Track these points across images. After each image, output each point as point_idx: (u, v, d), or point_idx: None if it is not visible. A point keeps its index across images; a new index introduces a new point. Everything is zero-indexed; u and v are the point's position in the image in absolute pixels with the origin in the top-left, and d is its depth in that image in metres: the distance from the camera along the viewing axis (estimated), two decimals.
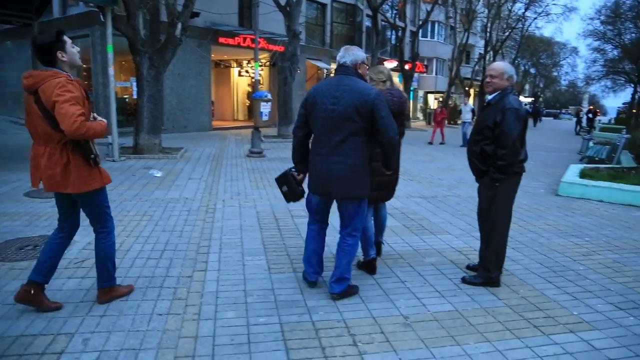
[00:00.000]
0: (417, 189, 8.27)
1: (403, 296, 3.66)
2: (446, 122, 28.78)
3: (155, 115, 11.27)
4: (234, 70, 24.62)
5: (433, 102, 40.22)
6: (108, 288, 3.35)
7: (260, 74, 18.14)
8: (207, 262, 4.25)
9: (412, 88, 30.50)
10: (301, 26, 18.11)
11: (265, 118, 12.02)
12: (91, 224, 3.28)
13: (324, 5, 26.42)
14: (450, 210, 6.63)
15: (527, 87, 63.80)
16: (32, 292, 3.12)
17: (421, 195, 7.65)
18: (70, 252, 4.20)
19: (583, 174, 8.70)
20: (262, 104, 11.90)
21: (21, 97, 18.84)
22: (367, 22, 29.55)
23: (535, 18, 39.96)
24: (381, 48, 27.90)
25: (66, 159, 2.98)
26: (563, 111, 76.32)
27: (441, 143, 17.67)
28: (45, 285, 3.21)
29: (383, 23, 28.44)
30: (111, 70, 10.47)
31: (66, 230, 3.28)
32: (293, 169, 3.73)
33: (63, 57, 2.98)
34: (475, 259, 4.36)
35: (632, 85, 37.91)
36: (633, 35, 32.98)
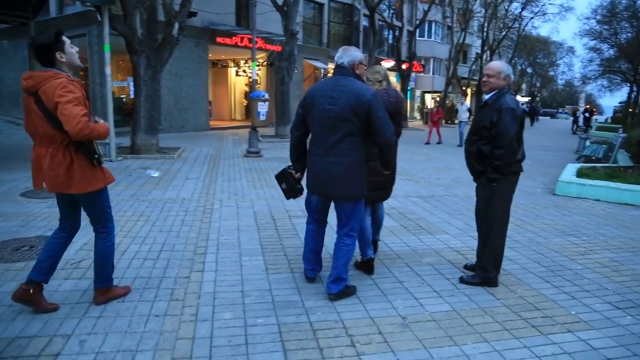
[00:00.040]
0: (415, 188, 8.27)
1: (401, 296, 3.65)
2: (443, 121, 28.84)
3: (153, 115, 11.24)
4: (232, 70, 24.58)
5: (430, 102, 40.23)
6: (105, 289, 3.34)
7: (257, 74, 18.14)
8: (204, 262, 4.24)
9: (409, 88, 30.51)
10: (298, 26, 18.08)
11: (262, 118, 12.01)
12: (92, 223, 3.27)
13: (321, 5, 26.41)
14: (447, 210, 6.63)
15: (524, 86, 63.92)
16: (31, 291, 3.11)
17: (418, 195, 7.65)
18: (67, 253, 4.14)
19: (580, 173, 8.72)
20: (260, 103, 11.88)
21: (18, 96, 18.79)
22: (364, 22, 29.56)
23: (531, 18, 39.99)
24: (378, 48, 27.89)
25: (69, 160, 2.97)
26: (560, 110, 76.53)
27: (438, 143, 17.67)
28: (44, 285, 3.20)
29: (380, 23, 28.45)
30: (108, 69, 10.44)
31: (67, 230, 3.28)
32: (291, 167, 3.76)
33: (62, 57, 2.96)
34: (472, 258, 4.36)
35: (628, 85, 38.01)
36: (629, 34, 33.06)
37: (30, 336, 2.87)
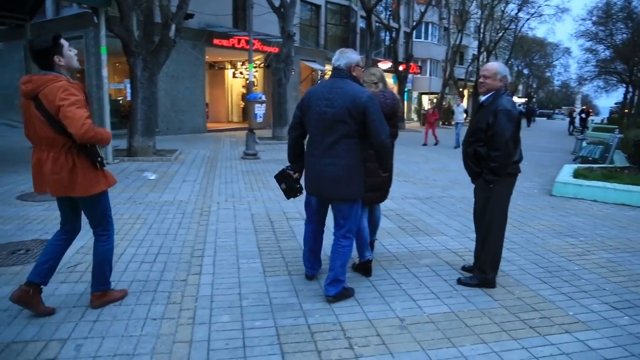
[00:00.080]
0: (412, 190, 8.27)
1: (399, 298, 3.65)
2: (440, 123, 28.82)
3: (149, 117, 11.23)
4: (229, 72, 24.58)
5: (427, 103, 40.31)
6: (101, 292, 3.33)
7: (254, 76, 18.12)
8: (201, 265, 4.22)
9: (406, 89, 30.57)
10: (295, 27, 18.08)
11: (259, 120, 11.99)
12: (92, 226, 3.27)
13: (318, 7, 26.43)
14: (445, 212, 6.63)
15: (520, 87, 64.09)
16: (31, 292, 3.10)
17: (416, 197, 7.65)
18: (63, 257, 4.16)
19: (577, 174, 8.73)
20: (257, 105, 11.87)
21: (15, 99, 18.75)
22: (361, 24, 29.60)
23: (528, 19, 40.19)
24: (375, 49, 27.91)
25: (72, 163, 2.98)
26: (556, 111, 76.71)
27: (435, 144, 17.68)
28: (43, 287, 3.18)
29: (377, 24, 28.48)
30: (105, 72, 10.43)
31: (68, 232, 3.28)
32: (289, 168, 3.81)
33: (60, 61, 2.96)
34: (470, 260, 4.36)
35: (624, 85, 38.14)
36: (624, 35, 33.17)
37: (25, 340, 2.85)
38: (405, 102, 32.89)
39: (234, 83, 24.98)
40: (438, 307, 3.51)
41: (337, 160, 3.33)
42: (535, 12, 38.99)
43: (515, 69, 53.40)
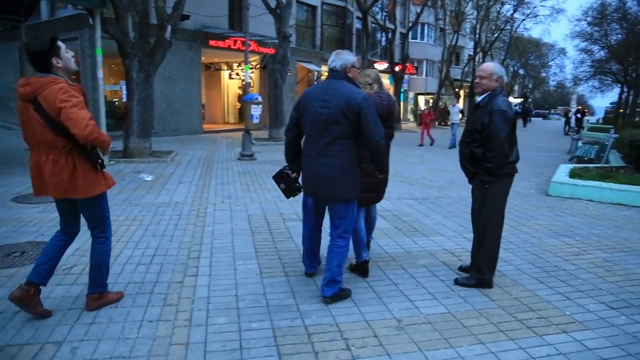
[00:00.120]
0: (409, 190, 8.27)
1: (396, 299, 3.64)
2: (436, 123, 28.86)
3: (145, 118, 11.19)
4: (225, 73, 24.54)
5: (423, 104, 40.37)
6: (97, 295, 3.31)
7: (250, 77, 18.10)
8: (198, 267, 4.21)
9: (402, 90, 30.58)
10: (291, 28, 18.09)
11: (256, 121, 11.98)
12: (90, 228, 3.26)
13: (314, 8, 26.43)
14: (441, 212, 6.63)
15: (516, 87, 64.27)
16: (32, 292, 3.09)
17: (412, 197, 7.65)
18: None
19: (573, 174, 8.76)
20: (253, 106, 11.86)
21: (10, 100, 18.63)
22: (357, 24, 29.62)
23: (523, 19, 40.24)
24: (371, 50, 27.96)
25: (72, 165, 2.97)
26: (552, 111, 76.97)
27: (430, 144, 17.68)
28: (42, 288, 3.18)
29: (373, 25, 28.51)
30: (100, 73, 10.40)
31: (68, 233, 3.28)
32: (287, 168, 3.87)
33: (58, 63, 2.96)
34: (467, 260, 4.36)
35: (619, 86, 38.31)
36: (619, 36, 33.33)
37: (21, 344, 2.83)
38: (402, 103, 32.92)
39: (230, 84, 24.95)
40: (435, 308, 3.51)
41: (332, 161, 3.35)
42: (531, 12, 39.12)
43: (511, 69, 53.53)
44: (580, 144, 14.98)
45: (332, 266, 3.48)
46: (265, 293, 3.68)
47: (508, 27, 40.57)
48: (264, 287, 3.79)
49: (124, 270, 4.08)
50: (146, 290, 3.67)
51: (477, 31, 36.32)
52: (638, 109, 34.34)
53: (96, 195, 3.10)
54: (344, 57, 3.46)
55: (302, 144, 3.69)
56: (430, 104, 29.57)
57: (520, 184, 8.75)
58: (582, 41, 36.64)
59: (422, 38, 37.68)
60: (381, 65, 29.76)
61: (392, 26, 29.69)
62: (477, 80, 3.84)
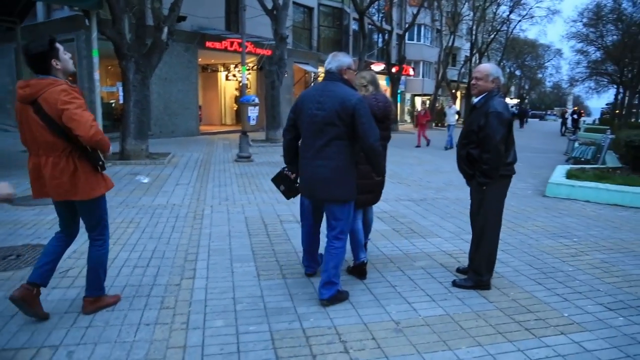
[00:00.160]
0: (406, 191, 8.27)
1: (394, 301, 3.63)
2: (433, 124, 28.90)
3: (142, 120, 11.17)
4: (221, 75, 24.51)
5: (420, 105, 40.44)
6: (94, 298, 3.29)
7: (247, 78, 18.08)
8: (195, 269, 4.19)
9: (399, 91, 30.61)
10: (288, 30, 18.06)
11: (253, 122, 11.97)
12: (88, 230, 3.24)
13: (310, 9, 26.44)
14: (439, 213, 6.63)
15: (512, 89, 64.44)
16: (35, 292, 3.09)
17: (410, 198, 7.65)
18: None
19: (569, 175, 8.77)
20: (250, 108, 11.85)
21: (6, 102, 18.53)
22: (354, 26, 29.63)
23: (519, 21, 40.40)
24: (368, 51, 27.93)
25: (73, 167, 2.97)
26: (548, 112, 77.18)
27: (421, 145, 17.67)
28: (42, 289, 3.17)
29: (370, 26, 28.52)
30: (97, 75, 10.37)
31: (68, 234, 3.28)
32: (286, 169, 3.92)
33: (57, 64, 2.95)
34: (464, 261, 4.36)
35: (615, 86, 38.48)
36: (614, 37, 33.50)
37: (17, 348, 2.81)
38: (398, 104, 32.94)
39: (227, 86, 24.92)
40: (433, 310, 3.50)
41: (328, 162, 3.36)
42: (527, 13, 39.31)
43: (508, 70, 53.71)
44: (576, 144, 15.04)
45: (328, 267, 3.48)
46: (263, 295, 3.67)
47: (504, 28, 40.72)
48: (262, 290, 3.78)
49: (121, 273, 4.06)
50: (143, 293, 3.65)
51: (474, 32, 36.39)
52: (634, 110, 34.49)
53: (96, 197, 3.10)
54: (340, 59, 3.48)
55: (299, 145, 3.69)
56: (427, 105, 29.57)
57: (517, 185, 8.76)
58: (578, 42, 36.85)
59: (418, 39, 37.75)
60: (378, 67, 29.78)
61: (388, 27, 29.71)
62: (473, 82, 3.85)
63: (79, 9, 10.91)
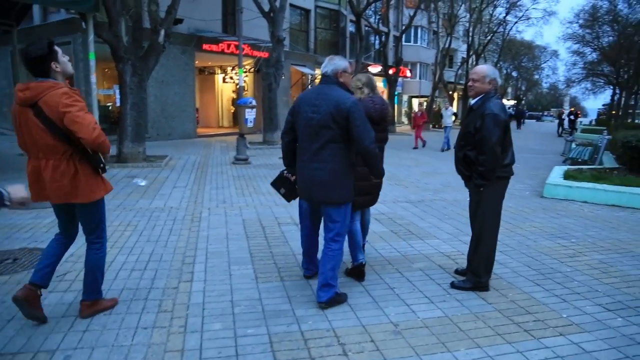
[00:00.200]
0: (404, 193, 8.27)
1: (392, 303, 3.62)
2: (431, 126, 28.91)
3: (139, 123, 11.15)
4: (218, 77, 24.51)
5: (417, 106, 40.51)
6: (91, 302, 3.28)
7: (244, 81, 18.09)
8: (193, 272, 4.18)
9: (396, 93, 30.65)
10: (285, 32, 18.09)
11: (250, 124, 11.96)
12: (86, 233, 3.23)
13: (307, 11, 26.46)
14: (437, 215, 6.62)
15: (509, 90, 64.60)
16: (38, 293, 3.10)
17: (408, 200, 7.65)
18: None
19: (567, 176, 8.79)
20: (247, 110, 11.84)
21: (2, 105, 18.40)
22: (350, 28, 29.66)
23: (516, 22, 40.58)
24: (365, 53, 27.99)
25: (74, 169, 2.97)
26: (545, 113, 77.42)
27: (418, 147, 17.66)
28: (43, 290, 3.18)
29: (366, 28, 28.57)
30: (93, 77, 10.33)
31: (68, 236, 3.28)
32: (286, 172, 3.94)
33: (57, 67, 2.95)
34: (463, 263, 4.35)
35: (611, 87, 38.62)
36: (610, 38, 33.65)
37: (13, 352, 2.79)
38: (396, 106, 32.98)
39: (224, 88, 24.92)
40: (432, 312, 3.49)
41: (324, 165, 3.37)
42: (523, 15, 39.45)
43: (504, 71, 53.85)
44: (573, 145, 15.06)
45: (325, 270, 3.47)
46: (261, 298, 3.66)
47: (501, 29, 40.85)
48: (260, 292, 3.77)
49: (118, 276, 4.04)
50: (140, 296, 3.64)
51: (470, 34, 36.51)
52: (630, 111, 34.60)
53: (96, 200, 3.10)
54: (335, 63, 3.49)
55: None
56: (424, 107, 29.59)
57: (515, 186, 8.76)
58: (574, 43, 37.00)
59: (415, 41, 37.82)
60: (375, 68, 29.84)
61: (385, 29, 29.74)
62: (470, 84, 3.85)
63: (76, 12, 10.90)
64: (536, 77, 61.77)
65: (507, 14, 38.65)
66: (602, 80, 39.90)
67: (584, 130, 29.22)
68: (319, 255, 4.07)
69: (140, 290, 3.74)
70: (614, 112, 38.00)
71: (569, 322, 3.37)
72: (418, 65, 38.50)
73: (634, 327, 3.30)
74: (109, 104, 17.37)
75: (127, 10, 10.97)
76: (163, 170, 10.21)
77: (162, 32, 11.03)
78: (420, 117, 18.46)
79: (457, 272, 4.29)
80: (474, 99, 3.83)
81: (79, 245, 3.91)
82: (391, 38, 31.07)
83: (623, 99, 35.06)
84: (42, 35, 3.06)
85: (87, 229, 3.21)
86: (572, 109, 35.78)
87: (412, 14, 29.07)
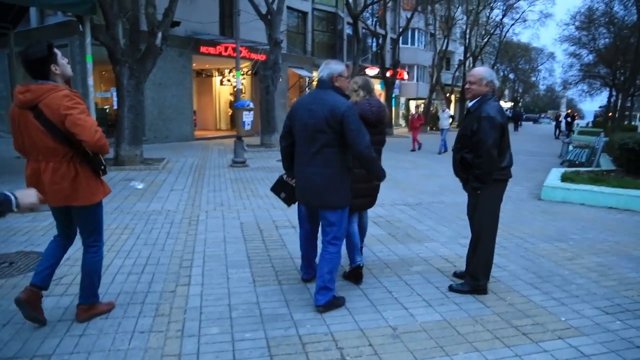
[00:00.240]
0: (402, 196, 8.26)
1: (390, 307, 3.61)
2: (428, 128, 28.92)
3: (136, 125, 11.12)
4: (216, 80, 24.50)
5: (414, 108, 40.55)
6: (88, 305, 3.26)
7: (242, 83, 18.06)
8: (190, 276, 4.16)
9: (393, 95, 30.67)
10: (282, 34, 18.08)
11: (247, 127, 11.95)
12: (83, 236, 3.21)
13: (304, 14, 26.49)
14: (435, 218, 6.62)
15: (506, 92, 64.76)
16: (40, 295, 3.09)
17: (405, 203, 7.64)
18: None
19: (564, 178, 8.80)
20: (245, 113, 11.83)
21: (1, 108, 18.35)
22: (348, 30, 29.70)
23: (512, 24, 40.73)
24: (362, 55, 28.02)
25: (74, 172, 2.96)
26: (542, 115, 77.61)
27: (416, 149, 17.66)
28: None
29: (364, 31, 28.61)
30: (90, 80, 10.30)
31: (66, 236, 3.27)
32: (285, 176, 3.94)
33: (56, 69, 2.94)
34: (460, 266, 4.35)
35: (608, 89, 38.75)
36: (606, 40, 33.82)
37: (9, 357, 2.77)
38: (393, 108, 33.00)
39: (222, 90, 24.91)
40: (430, 315, 3.48)
41: (320, 170, 3.38)
42: (520, 17, 39.61)
43: (501, 73, 54.00)
44: (571, 147, 15.10)
45: (323, 272, 3.47)
46: (259, 302, 3.64)
47: (497, 31, 40.97)
48: (257, 296, 3.75)
49: (115, 280, 4.02)
50: (137, 300, 3.62)
51: (467, 36, 36.60)
52: (627, 113, 34.72)
53: (95, 203, 3.09)
54: (331, 67, 3.51)
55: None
56: (421, 109, 29.64)
57: (512, 189, 8.77)
58: (571, 45, 37.18)
59: (412, 43, 37.85)
60: (372, 71, 29.87)
61: (382, 32, 29.80)
62: (467, 86, 3.84)
63: (73, 14, 10.87)
64: (533, 79, 62.06)
65: (503, 16, 38.84)
66: (599, 82, 40.06)
67: (581, 132, 29.34)
68: (318, 259, 4.07)
69: (137, 294, 3.72)
70: (610, 114, 38.13)
71: (568, 325, 3.37)
72: (415, 68, 38.54)
73: (633, 330, 3.30)
74: (106, 107, 17.35)
75: (125, 13, 10.95)
76: (160, 173, 10.19)
77: (160, 35, 11.01)
78: (417, 120, 18.47)
79: (455, 274, 4.28)
80: (471, 101, 3.83)
81: (76, 248, 3.89)
82: (388, 40, 31.12)
83: (619, 100, 35.16)
84: (39, 38, 3.04)
85: (84, 232, 3.19)
86: (569, 111, 35.95)
87: (409, 16, 29.11)
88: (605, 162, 12.22)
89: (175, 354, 2.86)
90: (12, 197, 2.15)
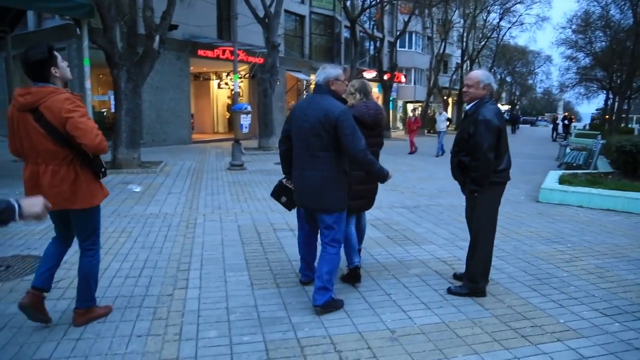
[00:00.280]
0: (399, 199, 8.26)
1: (389, 309, 3.60)
2: (426, 131, 28.97)
3: (134, 129, 11.11)
4: (214, 83, 24.50)
5: (410, 111, 40.62)
6: (84, 309, 3.24)
7: (239, 86, 18.08)
8: (188, 279, 4.14)
9: (391, 98, 30.73)
10: (280, 38, 18.10)
11: (245, 130, 11.95)
12: (81, 240, 3.20)
13: (302, 17, 26.54)
14: (433, 220, 6.62)
15: (504, 95, 64.95)
16: (43, 297, 3.08)
17: (403, 205, 7.64)
18: None
19: (562, 180, 8.81)
20: (242, 116, 11.83)
21: None
22: (345, 33, 29.77)
23: (509, 27, 40.89)
24: (360, 59, 28.06)
25: (74, 175, 2.95)
26: (539, 118, 77.79)
27: (412, 152, 17.67)
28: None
29: (361, 34, 28.66)
30: (88, 83, 10.29)
31: (65, 237, 3.25)
32: (284, 180, 3.94)
33: (56, 72, 2.94)
34: (459, 268, 4.35)
35: (604, 92, 38.88)
36: (603, 43, 33.92)
37: None
38: (390, 111, 33.04)
39: (219, 94, 24.89)
40: (429, 318, 3.48)
41: (317, 173, 3.39)
42: (517, 20, 39.74)
43: (499, 76, 54.15)
44: (568, 150, 15.13)
45: (321, 273, 3.46)
46: (257, 305, 3.63)
47: (494, 35, 41.12)
48: (255, 299, 3.74)
49: (112, 283, 4.00)
50: (135, 303, 3.60)
51: (464, 39, 36.73)
52: (623, 115, 34.82)
53: (94, 206, 3.09)
54: (326, 72, 3.52)
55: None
56: (419, 112, 29.65)
57: (510, 191, 8.76)
58: (568, 48, 37.28)
59: (410, 46, 37.96)
60: (370, 74, 29.90)
61: (380, 35, 29.88)
62: (464, 89, 3.85)
63: (70, 17, 10.86)
64: (530, 82, 62.22)
65: (500, 19, 39.01)
66: (596, 85, 40.17)
67: (578, 135, 29.41)
68: (316, 262, 4.06)
69: (135, 298, 3.71)
70: (607, 116, 38.25)
71: (567, 327, 3.36)
72: (413, 71, 38.64)
73: (631, 332, 3.30)
74: (103, 110, 17.32)
75: (122, 16, 10.95)
76: (158, 176, 10.17)
77: (157, 38, 11.01)
78: (414, 122, 18.49)
79: (455, 276, 4.27)
80: (468, 104, 3.83)
81: (73, 252, 3.87)
82: (386, 44, 31.21)
83: (616, 103, 35.29)
84: (38, 41, 3.04)
85: (81, 235, 3.18)
86: (566, 113, 36.03)
87: (406, 19, 29.21)
88: (603, 165, 12.25)
89: (173, 358, 2.84)
90: (16, 206, 2.02)
